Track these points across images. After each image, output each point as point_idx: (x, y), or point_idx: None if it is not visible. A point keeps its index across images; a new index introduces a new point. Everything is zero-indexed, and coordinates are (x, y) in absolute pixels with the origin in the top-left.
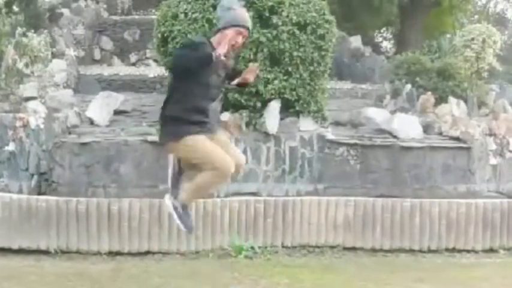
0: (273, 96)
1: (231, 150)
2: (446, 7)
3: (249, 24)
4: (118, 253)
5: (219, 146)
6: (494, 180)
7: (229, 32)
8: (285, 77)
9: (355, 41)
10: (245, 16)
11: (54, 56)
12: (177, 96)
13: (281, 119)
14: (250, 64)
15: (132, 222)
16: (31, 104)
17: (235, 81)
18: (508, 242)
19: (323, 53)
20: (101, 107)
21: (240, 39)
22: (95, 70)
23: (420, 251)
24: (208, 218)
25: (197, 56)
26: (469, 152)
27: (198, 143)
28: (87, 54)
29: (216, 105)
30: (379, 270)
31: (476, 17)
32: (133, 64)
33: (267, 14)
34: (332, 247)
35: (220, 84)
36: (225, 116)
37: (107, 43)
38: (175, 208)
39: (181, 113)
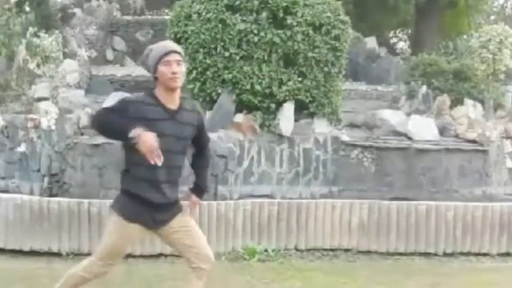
0: (287, 98)
1: (199, 241)
2: (462, 7)
3: (173, 47)
4: (130, 255)
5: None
6: (511, 183)
7: (160, 71)
8: (299, 78)
9: (370, 42)
10: (163, 44)
11: (66, 56)
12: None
13: (295, 120)
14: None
15: None
16: (43, 105)
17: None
18: None
19: (338, 53)
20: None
21: (176, 67)
22: (107, 70)
23: (435, 254)
24: (221, 221)
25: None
26: (486, 155)
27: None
28: (99, 54)
29: (176, 176)
30: (394, 274)
31: (492, 17)
32: None
33: (281, 15)
34: (346, 250)
35: (184, 145)
36: (239, 117)
37: (119, 43)
38: None
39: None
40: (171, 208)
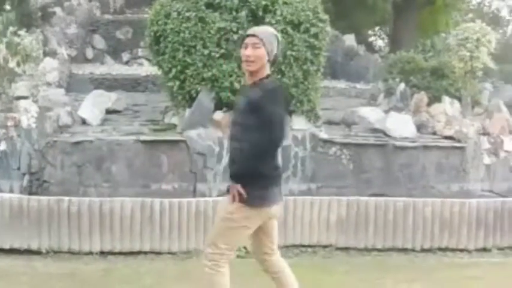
0: None
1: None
2: (440, 6)
3: (252, 30)
4: (110, 253)
5: None
6: (488, 179)
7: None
8: (278, 76)
9: (349, 40)
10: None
11: (46, 55)
12: None
13: None
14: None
15: (124, 222)
16: (23, 103)
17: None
18: (501, 241)
19: (316, 51)
20: (93, 106)
21: (245, 51)
22: (87, 69)
23: (413, 250)
24: (200, 218)
25: None
26: (463, 152)
27: None
28: (79, 53)
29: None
30: (372, 269)
31: (470, 15)
32: (126, 63)
33: (261, 13)
34: (325, 247)
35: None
36: (218, 115)
37: (99, 42)
38: None
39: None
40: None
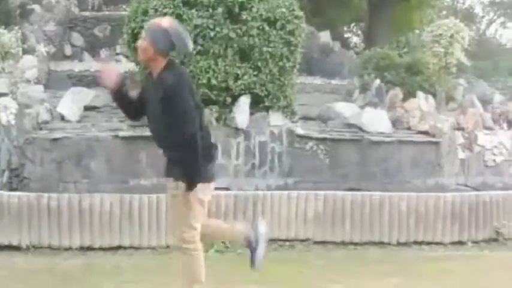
0: (242, 92)
1: (175, 217)
2: (414, 3)
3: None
4: (89, 248)
5: None
6: (463, 174)
7: None
8: (255, 73)
9: (324, 37)
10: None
11: (25, 52)
12: None
13: (251, 114)
14: None
15: (103, 218)
16: (2, 100)
17: None
18: (476, 235)
19: (292, 48)
20: (71, 102)
21: (141, 44)
22: (65, 66)
23: (389, 244)
24: None
25: None
26: (438, 146)
27: None
28: (58, 50)
29: (164, 136)
30: (349, 263)
31: (444, 12)
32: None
33: (237, 10)
34: (302, 241)
35: (157, 111)
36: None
37: (77, 39)
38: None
39: None
40: (174, 164)
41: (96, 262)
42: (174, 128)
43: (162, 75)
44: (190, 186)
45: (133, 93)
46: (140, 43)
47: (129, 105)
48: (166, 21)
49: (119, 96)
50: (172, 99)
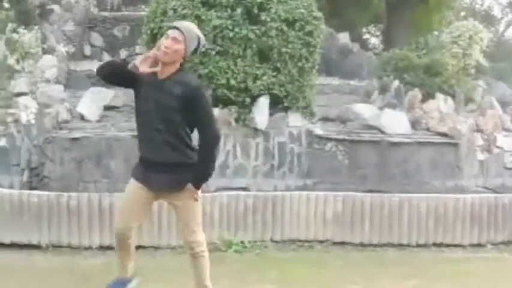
0: (261, 92)
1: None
2: (433, 4)
3: (177, 23)
4: (109, 247)
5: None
6: (482, 175)
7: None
8: (274, 73)
9: (343, 38)
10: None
11: (44, 52)
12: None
13: (270, 114)
14: None
15: None
16: (22, 100)
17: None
18: (495, 237)
19: (311, 49)
20: (91, 102)
21: (165, 42)
22: (85, 66)
23: (408, 245)
24: None
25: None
26: (457, 148)
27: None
28: (77, 50)
29: (164, 141)
30: (368, 265)
31: (463, 13)
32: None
33: (256, 11)
34: (321, 242)
35: (169, 113)
36: (214, 112)
37: (96, 39)
38: None
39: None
40: (169, 171)
41: (115, 261)
42: (182, 130)
43: (179, 77)
44: (199, 186)
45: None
46: (170, 44)
47: (116, 71)
48: (196, 27)
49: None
50: (196, 100)
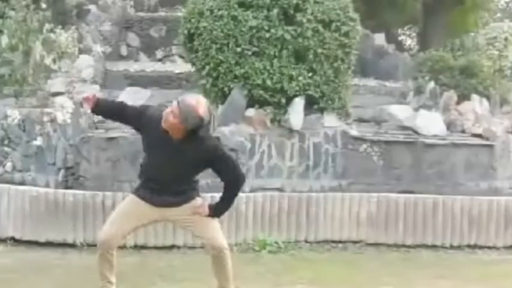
0: (297, 93)
1: (207, 231)
2: (469, 5)
3: (181, 98)
4: (144, 247)
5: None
6: None
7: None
8: (310, 74)
9: (379, 39)
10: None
11: (81, 52)
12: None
13: (305, 115)
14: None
15: None
16: (58, 99)
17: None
18: None
19: (347, 50)
20: (127, 102)
21: (169, 117)
22: (121, 66)
23: (442, 247)
24: (233, 213)
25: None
26: (491, 149)
27: (123, 202)
28: (113, 50)
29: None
30: (402, 265)
31: (498, 15)
32: (160, 60)
33: (292, 12)
34: (355, 242)
35: (182, 170)
36: (250, 112)
37: (133, 39)
38: None
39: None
40: (173, 196)
41: (150, 260)
42: (193, 176)
43: (195, 142)
44: (219, 216)
45: (111, 102)
46: (167, 116)
47: (110, 114)
48: (202, 106)
49: (98, 110)
50: (219, 161)
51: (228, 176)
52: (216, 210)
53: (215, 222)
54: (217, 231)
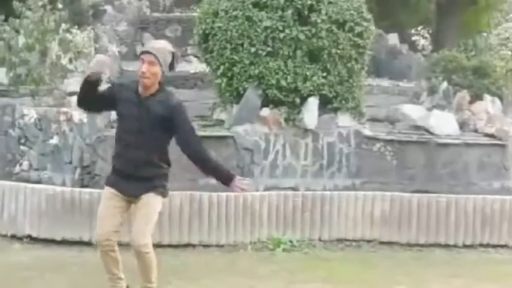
0: (311, 93)
1: (134, 219)
2: (482, 6)
3: (148, 47)
4: (158, 245)
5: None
6: None
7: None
8: (324, 74)
9: (392, 39)
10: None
11: (97, 51)
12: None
13: (319, 115)
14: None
15: (173, 215)
16: (75, 99)
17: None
18: None
19: (361, 50)
20: None
21: (141, 67)
22: (137, 66)
23: (455, 246)
24: (247, 212)
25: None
26: (504, 149)
27: (101, 198)
28: (129, 50)
29: (141, 158)
30: (415, 264)
31: (511, 15)
32: None
33: (306, 12)
34: (368, 241)
35: (150, 132)
36: (265, 112)
37: (149, 39)
38: None
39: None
40: (142, 181)
41: (165, 259)
42: (162, 147)
43: (160, 96)
44: (232, 178)
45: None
46: (147, 68)
47: (91, 96)
48: (167, 43)
49: (91, 85)
50: (177, 118)
51: (186, 134)
52: (227, 179)
53: (151, 216)
54: (143, 225)
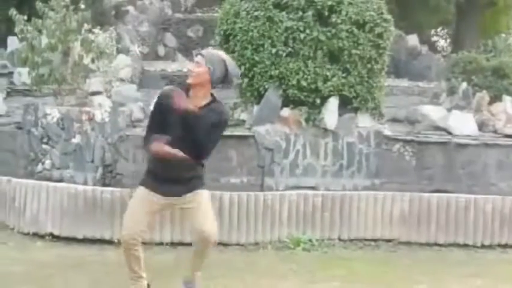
0: (331, 93)
1: (198, 220)
2: (501, 7)
3: (203, 51)
4: (180, 244)
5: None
6: None
7: None
8: (344, 74)
9: (412, 40)
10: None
11: (119, 52)
12: None
13: (339, 115)
14: None
15: None
16: (97, 98)
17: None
18: None
19: (381, 51)
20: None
21: (195, 69)
22: (159, 66)
23: (474, 246)
24: (267, 211)
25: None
26: None
27: (133, 197)
28: (151, 50)
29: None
30: (434, 264)
31: None
32: None
33: (327, 13)
34: (388, 241)
35: (197, 138)
36: (285, 112)
37: (170, 40)
38: None
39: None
40: (181, 184)
41: (186, 257)
42: (197, 151)
43: (215, 107)
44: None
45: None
46: (193, 67)
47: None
48: (222, 53)
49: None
50: (217, 126)
51: (210, 142)
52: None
53: (210, 211)
54: (212, 223)
